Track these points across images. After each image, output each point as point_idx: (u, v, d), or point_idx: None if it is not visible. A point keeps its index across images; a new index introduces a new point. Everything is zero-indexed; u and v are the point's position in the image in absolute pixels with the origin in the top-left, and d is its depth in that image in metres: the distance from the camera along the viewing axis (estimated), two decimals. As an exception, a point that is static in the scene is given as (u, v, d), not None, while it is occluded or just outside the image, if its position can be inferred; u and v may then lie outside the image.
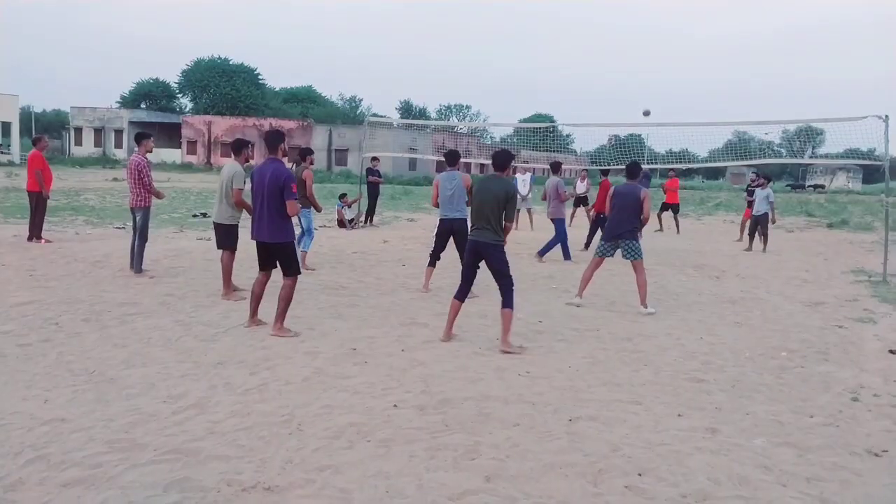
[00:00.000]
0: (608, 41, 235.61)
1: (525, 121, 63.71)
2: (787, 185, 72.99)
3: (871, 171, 61.77)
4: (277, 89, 74.81)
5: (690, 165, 27.17)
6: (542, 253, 11.67)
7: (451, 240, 8.09)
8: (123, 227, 13.26)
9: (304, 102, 73.60)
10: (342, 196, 16.52)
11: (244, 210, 7.36)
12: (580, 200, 18.29)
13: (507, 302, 5.90)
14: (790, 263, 12.66)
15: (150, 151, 8.76)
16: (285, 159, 6.31)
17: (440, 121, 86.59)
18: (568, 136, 56.53)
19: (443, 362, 5.47)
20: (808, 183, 77.71)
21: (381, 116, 53.09)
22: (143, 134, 8.79)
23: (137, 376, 4.86)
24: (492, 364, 5.48)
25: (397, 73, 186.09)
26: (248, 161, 7.66)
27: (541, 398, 4.74)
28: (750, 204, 15.35)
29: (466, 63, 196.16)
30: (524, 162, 24.92)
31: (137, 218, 8.61)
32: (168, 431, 3.92)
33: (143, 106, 64.68)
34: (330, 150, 51.36)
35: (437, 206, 8.16)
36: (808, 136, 64.60)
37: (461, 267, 6.31)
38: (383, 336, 6.22)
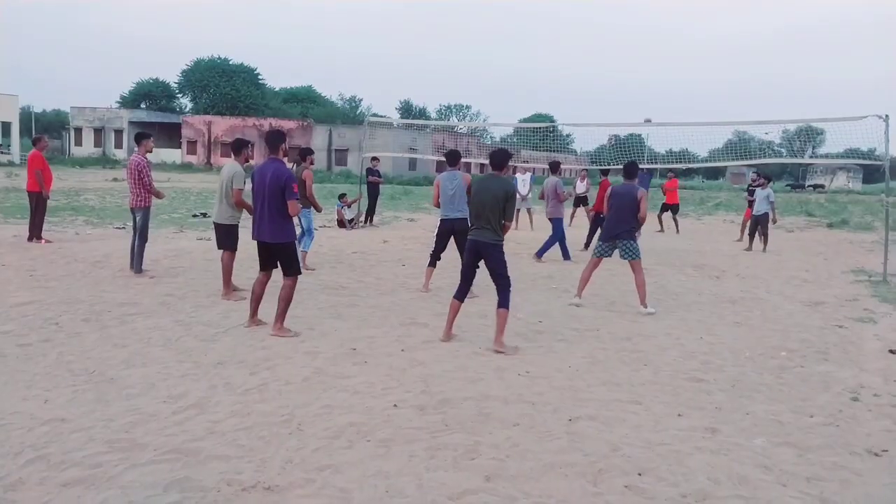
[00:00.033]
0: (608, 41, 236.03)
1: (525, 121, 63.74)
2: (787, 185, 72.99)
3: (871, 171, 61.80)
4: (277, 89, 74.81)
5: (690, 165, 27.16)
6: (540, 253, 11.67)
7: (452, 240, 8.10)
8: (123, 228, 13.26)
9: (304, 102, 73.60)
10: (341, 196, 16.52)
11: (244, 210, 7.37)
12: (580, 200, 18.29)
13: (503, 302, 5.91)
14: (790, 263, 12.66)
15: (150, 151, 8.76)
16: (286, 159, 6.31)
17: (440, 121, 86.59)
18: (568, 136, 56.51)
19: (442, 362, 5.48)
20: (807, 183, 77.70)
21: (381, 116, 53.10)
22: (143, 134, 8.79)
23: (137, 376, 4.86)
24: (491, 364, 5.48)
25: (397, 73, 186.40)
26: (247, 161, 7.66)
27: (540, 398, 4.74)
28: (751, 204, 15.34)
29: (466, 63, 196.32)
30: (524, 162, 24.92)
31: (137, 218, 8.62)
32: (168, 431, 3.92)
33: (142, 106, 64.67)
34: (330, 150, 51.36)
35: (438, 206, 8.16)
36: (809, 135, 64.52)
37: (461, 266, 6.31)
38: (383, 336, 6.22)
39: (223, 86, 62.53)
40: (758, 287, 9.82)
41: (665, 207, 18.23)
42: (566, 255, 11.62)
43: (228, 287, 7.60)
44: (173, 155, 53.04)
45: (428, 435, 4.02)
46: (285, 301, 6.07)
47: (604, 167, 15.59)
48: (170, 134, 54.89)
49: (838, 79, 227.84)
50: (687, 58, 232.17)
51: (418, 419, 4.27)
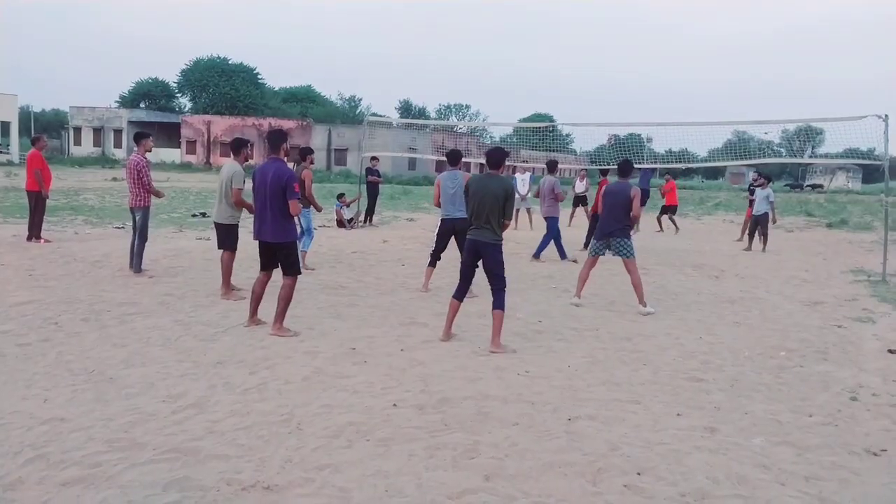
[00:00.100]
0: (608, 41, 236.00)
1: (524, 120, 63.68)
2: (786, 185, 72.99)
3: (871, 171, 61.89)
4: (277, 89, 74.75)
5: (690, 165, 27.12)
6: (537, 254, 11.66)
7: (452, 239, 8.10)
8: (123, 227, 13.26)
9: (304, 102, 73.56)
10: (340, 196, 16.52)
11: (245, 209, 7.37)
12: (579, 200, 18.30)
13: (499, 303, 5.90)
14: (789, 263, 12.67)
15: (150, 151, 8.76)
16: (286, 159, 6.32)
17: (440, 120, 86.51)
18: (567, 135, 56.54)
19: (442, 362, 5.48)
20: (806, 183, 77.70)
21: (381, 116, 53.11)
22: (143, 133, 8.80)
23: (137, 376, 4.86)
24: (491, 363, 5.49)
25: (397, 73, 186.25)
26: (247, 160, 7.67)
27: (540, 397, 4.75)
28: (752, 203, 15.35)
29: (466, 63, 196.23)
30: (524, 162, 24.91)
31: (137, 218, 8.62)
32: (167, 431, 3.92)
33: (142, 105, 64.62)
34: (329, 149, 51.35)
35: (438, 205, 8.16)
36: (808, 135, 64.50)
37: (460, 266, 6.30)
38: (383, 336, 6.22)
39: (222, 85, 62.50)
40: (757, 287, 9.83)
41: (665, 209, 18.25)
42: (562, 255, 11.61)
43: (228, 287, 7.60)
44: (172, 154, 53.02)
45: (427, 434, 4.02)
46: (285, 301, 6.07)
47: (603, 167, 15.58)
48: (169, 133, 54.86)
49: (838, 79, 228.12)
50: (687, 58, 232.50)
51: (418, 418, 4.27)
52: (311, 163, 9.69)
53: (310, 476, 3.45)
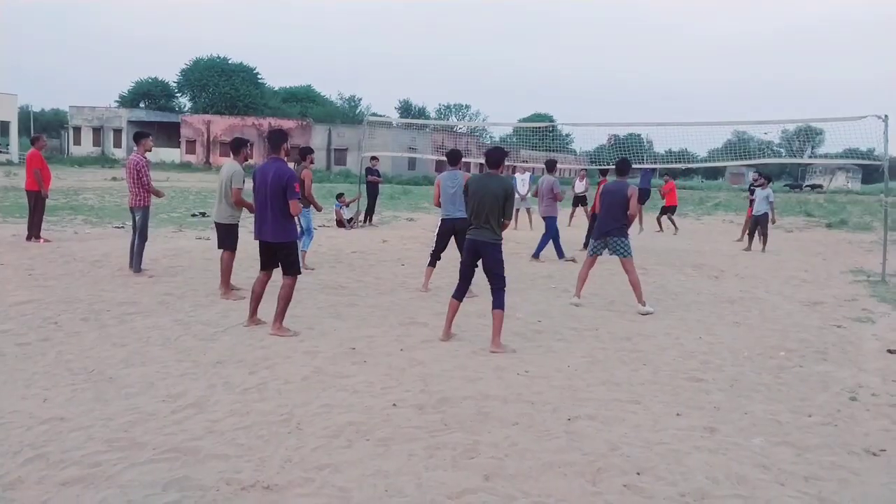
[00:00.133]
0: (608, 41, 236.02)
1: (524, 120, 63.66)
2: (786, 186, 72.98)
3: (871, 171, 61.99)
4: (276, 89, 74.74)
5: (690, 165, 27.13)
6: (536, 254, 11.66)
7: (452, 239, 8.10)
8: (122, 227, 13.26)
9: (304, 102, 73.53)
10: (339, 196, 16.53)
11: (245, 209, 7.37)
12: (579, 200, 18.29)
13: (498, 303, 5.90)
14: (789, 263, 12.67)
15: (149, 151, 8.76)
16: (287, 159, 6.32)
17: (439, 120, 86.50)
18: (567, 135, 56.51)
19: (442, 361, 5.48)
20: (805, 183, 77.68)
21: (381, 116, 53.17)
22: (142, 133, 8.79)
23: (136, 375, 4.86)
24: (491, 363, 5.49)
25: (396, 73, 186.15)
26: (246, 160, 7.67)
27: (540, 397, 4.75)
28: (752, 203, 15.36)
29: (466, 63, 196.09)
30: (523, 161, 24.91)
31: (137, 217, 8.62)
32: (167, 430, 3.92)
33: (141, 105, 64.61)
34: (329, 149, 51.35)
35: (438, 205, 8.16)
36: (808, 135, 64.49)
37: (460, 266, 6.30)
38: (382, 335, 6.22)
39: (222, 85, 62.48)
40: (757, 287, 9.83)
41: (664, 210, 18.26)
42: (560, 254, 11.61)
43: (227, 286, 7.60)
44: (172, 154, 53.02)
45: (427, 434, 4.02)
46: (285, 300, 6.07)
47: (603, 167, 15.59)
48: (169, 133, 54.86)
49: (838, 79, 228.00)
50: (687, 58, 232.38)
51: (417, 418, 4.27)
52: (311, 163, 9.69)
53: (309, 476, 3.45)
